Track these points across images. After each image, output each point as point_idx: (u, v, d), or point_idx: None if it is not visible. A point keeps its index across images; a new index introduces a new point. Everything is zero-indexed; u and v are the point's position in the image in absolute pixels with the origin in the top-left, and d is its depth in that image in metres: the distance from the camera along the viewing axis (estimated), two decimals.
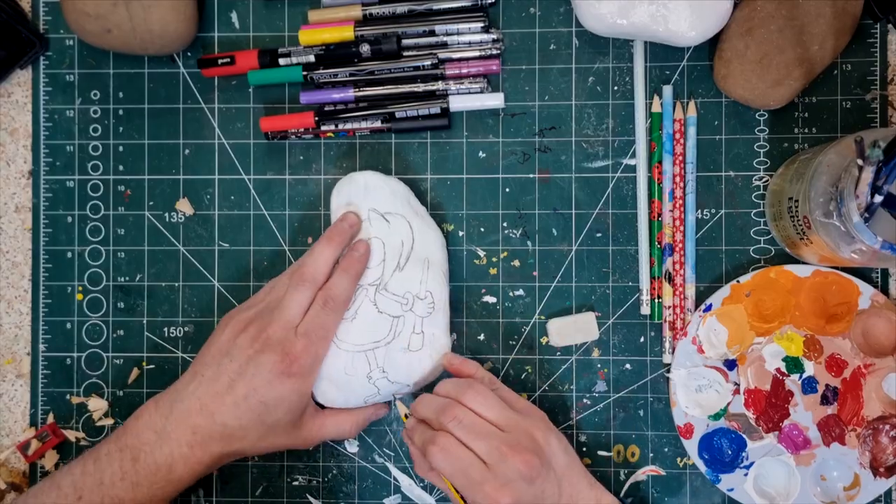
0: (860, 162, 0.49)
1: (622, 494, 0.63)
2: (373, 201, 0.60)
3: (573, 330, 0.62)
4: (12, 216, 0.65)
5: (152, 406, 0.56)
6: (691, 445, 0.61)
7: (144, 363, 0.65)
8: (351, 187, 0.60)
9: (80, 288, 0.65)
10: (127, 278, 0.65)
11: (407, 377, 0.59)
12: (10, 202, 0.65)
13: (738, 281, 0.61)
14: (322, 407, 0.60)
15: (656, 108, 0.62)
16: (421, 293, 0.59)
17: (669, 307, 0.62)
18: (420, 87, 0.62)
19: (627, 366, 0.63)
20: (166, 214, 0.65)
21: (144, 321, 0.65)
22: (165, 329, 0.65)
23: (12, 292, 0.65)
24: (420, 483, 0.64)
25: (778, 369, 0.61)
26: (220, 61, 0.63)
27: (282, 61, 0.62)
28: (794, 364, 0.61)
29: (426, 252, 0.60)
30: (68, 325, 0.65)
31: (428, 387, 0.62)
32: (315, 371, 0.57)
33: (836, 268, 0.60)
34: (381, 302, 0.59)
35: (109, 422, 0.65)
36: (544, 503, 0.53)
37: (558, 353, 0.63)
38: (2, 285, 0.65)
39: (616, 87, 0.63)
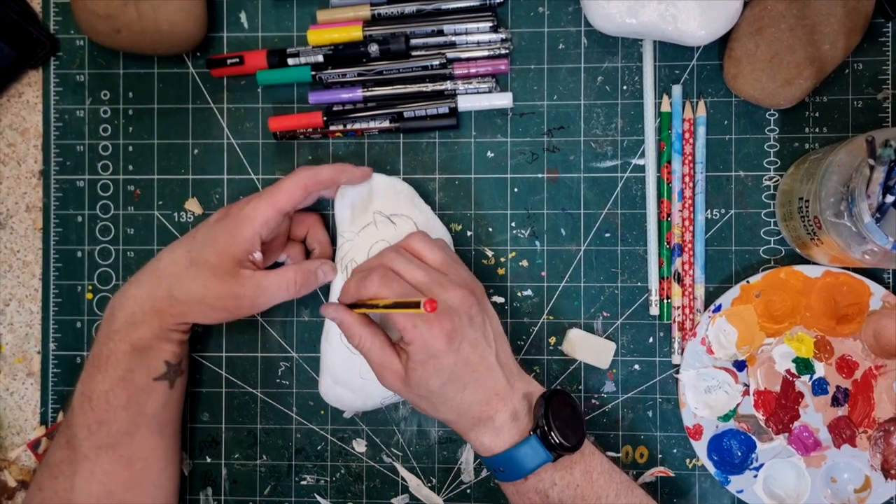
0: (871, 162, 0.49)
1: None
2: (377, 203, 0.60)
3: (589, 348, 0.62)
4: (23, 216, 0.66)
5: None
6: (700, 447, 0.61)
7: None
8: (354, 190, 0.60)
9: (90, 287, 0.65)
10: None
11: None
12: (20, 202, 0.66)
13: (747, 281, 0.60)
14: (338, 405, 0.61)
15: (665, 107, 0.62)
16: None
17: (678, 308, 0.62)
18: (428, 87, 0.62)
19: (636, 366, 0.63)
20: (176, 214, 0.65)
21: None
22: None
23: (23, 291, 0.66)
24: (427, 483, 0.64)
25: (788, 370, 0.60)
26: (229, 61, 0.63)
27: (290, 61, 0.63)
28: (804, 365, 0.60)
29: None
30: (78, 324, 0.65)
31: None
32: (252, 222, 0.55)
33: (847, 268, 0.60)
34: None
35: None
36: (478, 351, 0.53)
37: (567, 354, 0.63)
38: (13, 284, 0.66)
39: (625, 87, 0.62)
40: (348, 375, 0.59)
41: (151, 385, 0.57)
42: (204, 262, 0.55)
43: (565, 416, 0.53)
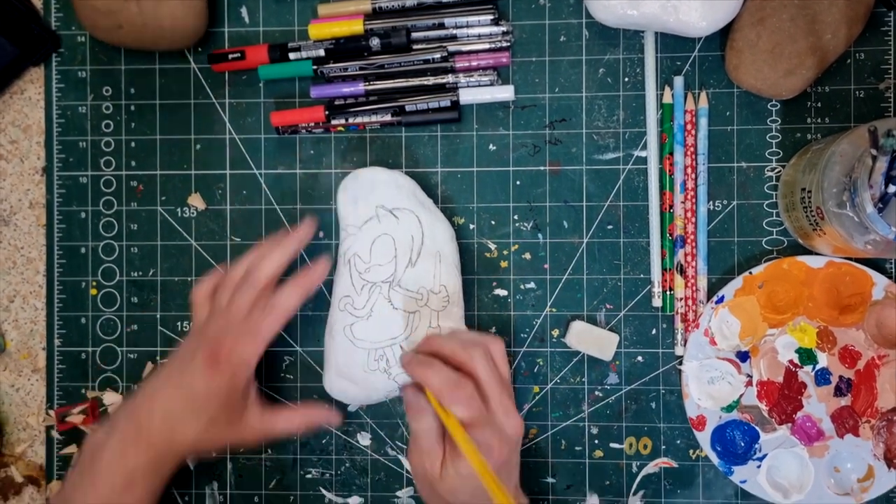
0: (874, 152, 0.49)
1: (634, 487, 0.63)
2: (379, 197, 0.60)
3: (592, 340, 0.62)
4: (26, 212, 0.66)
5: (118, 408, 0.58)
6: (704, 437, 0.61)
7: (158, 357, 0.65)
8: (357, 184, 0.60)
9: (94, 283, 0.65)
10: (140, 273, 0.65)
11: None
12: (24, 198, 0.66)
13: (750, 272, 0.60)
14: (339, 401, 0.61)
15: (667, 99, 0.62)
16: (435, 287, 0.59)
17: (681, 299, 0.62)
18: (430, 81, 0.62)
19: (639, 358, 0.63)
20: (178, 209, 0.65)
21: (158, 316, 0.65)
22: (178, 323, 0.65)
23: (27, 288, 0.66)
24: None
25: (791, 361, 0.61)
26: (230, 56, 0.63)
27: (292, 56, 0.63)
28: (807, 355, 0.60)
29: (437, 246, 0.60)
30: (83, 320, 0.65)
31: None
32: (242, 367, 0.56)
33: (850, 259, 0.60)
34: (395, 298, 0.59)
35: None
36: (511, 478, 0.55)
37: (570, 346, 0.63)
38: (17, 281, 0.66)
39: (627, 79, 0.62)
40: (352, 369, 0.59)
41: None
42: (212, 418, 0.56)
43: None
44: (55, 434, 0.65)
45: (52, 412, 0.65)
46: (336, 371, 0.60)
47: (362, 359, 0.59)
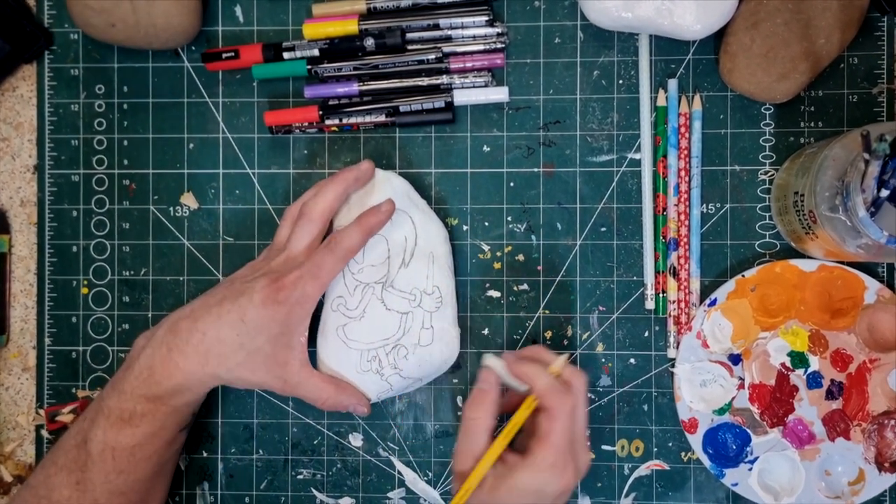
0: (866, 156, 0.49)
1: (626, 489, 0.63)
2: (374, 198, 0.59)
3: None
4: (17, 210, 0.66)
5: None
6: (696, 440, 0.61)
7: None
8: None
9: (86, 282, 0.65)
10: (132, 272, 0.65)
11: (419, 372, 0.59)
12: (15, 196, 0.66)
13: (743, 275, 0.61)
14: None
15: (661, 101, 0.62)
16: (428, 288, 0.59)
17: (674, 302, 0.62)
18: (424, 81, 0.62)
19: (632, 360, 0.63)
20: (171, 209, 0.65)
21: (150, 315, 0.65)
22: None
23: (18, 286, 0.66)
24: (424, 477, 0.64)
25: (783, 364, 0.61)
26: (224, 55, 0.63)
27: (286, 55, 0.62)
28: (799, 359, 0.60)
29: (430, 246, 0.60)
30: (74, 319, 0.65)
31: (434, 381, 0.62)
32: (302, 308, 0.55)
33: (842, 262, 0.60)
34: (388, 299, 0.59)
35: None
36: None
37: (563, 346, 0.63)
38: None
39: (621, 81, 0.62)
40: (344, 369, 0.59)
41: (176, 435, 0.58)
42: (256, 349, 0.55)
43: None
44: (45, 433, 0.65)
45: (42, 411, 0.65)
46: (328, 371, 0.60)
47: (355, 359, 0.59)
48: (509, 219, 0.63)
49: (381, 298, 0.59)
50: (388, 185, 0.60)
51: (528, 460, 0.51)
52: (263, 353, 0.55)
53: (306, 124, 0.63)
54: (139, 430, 0.54)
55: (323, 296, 0.60)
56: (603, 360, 0.63)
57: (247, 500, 0.65)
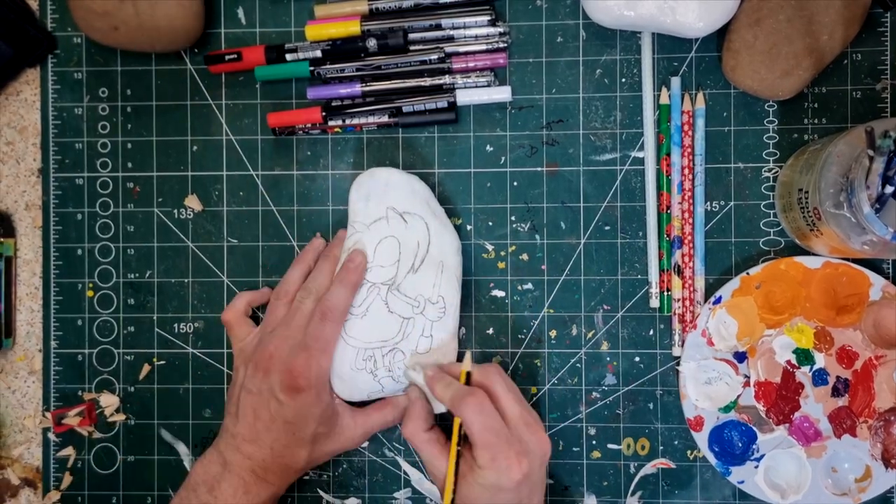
0: (871, 152, 0.49)
1: (632, 487, 0.63)
2: (392, 199, 0.60)
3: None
4: (23, 214, 0.66)
5: (210, 448, 0.59)
6: (701, 438, 0.61)
7: (155, 359, 0.65)
8: (371, 182, 0.60)
9: (91, 285, 0.65)
10: (137, 275, 0.65)
11: (412, 378, 0.59)
12: (20, 200, 0.66)
13: (747, 273, 0.60)
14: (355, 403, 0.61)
15: (664, 99, 0.62)
16: (433, 297, 0.59)
17: (679, 300, 0.62)
18: (427, 82, 0.62)
19: (637, 359, 0.63)
20: (175, 211, 0.65)
21: (154, 317, 0.65)
22: (175, 325, 0.65)
23: (23, 289, 0.66)
24: (429, 477, 0.64)
25: (788, 361, 0.61)
26: (226, 57, 0.63)
27: (288, 57, 0.62)
28: (804, 356, 0.60)
29: (441, 255, 0.60)
30: (79, 322, 0.65)
31: None
32: (323, 381, 0.58)
33: (847, 259, 0.60)
34: (392, 302, 0.59)
35: (121, 417, 0.65)
36: (535, 498, 0.54)
37: (567, 345, 0.63)
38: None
39: (624, 80, 0.62)
40: (339, 365, 0.59)
41: None
42: (311, 438, 0.57)
43: None
44: (52, 436, 0.65)
45: (48, 414, 0.65)
46: None
47: (351, 356, 0.59)
48: (513, 218, 0.63)
49: (386, 300, 0.59)
50: (409, 189, 0.60)
51: (474, 464, 0.53)
52: (321, 434, 0.58)
53: (309, 126, 0.63)
54: None
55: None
56: (608, 358, 0.63)
57: None
